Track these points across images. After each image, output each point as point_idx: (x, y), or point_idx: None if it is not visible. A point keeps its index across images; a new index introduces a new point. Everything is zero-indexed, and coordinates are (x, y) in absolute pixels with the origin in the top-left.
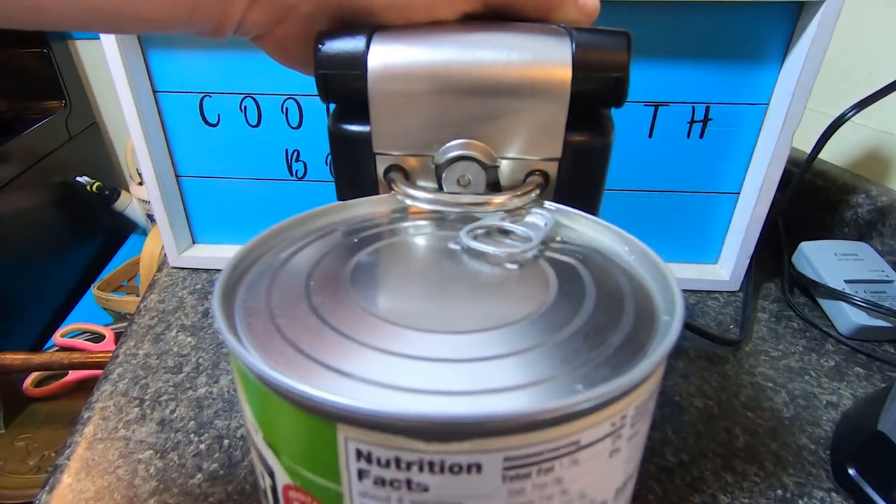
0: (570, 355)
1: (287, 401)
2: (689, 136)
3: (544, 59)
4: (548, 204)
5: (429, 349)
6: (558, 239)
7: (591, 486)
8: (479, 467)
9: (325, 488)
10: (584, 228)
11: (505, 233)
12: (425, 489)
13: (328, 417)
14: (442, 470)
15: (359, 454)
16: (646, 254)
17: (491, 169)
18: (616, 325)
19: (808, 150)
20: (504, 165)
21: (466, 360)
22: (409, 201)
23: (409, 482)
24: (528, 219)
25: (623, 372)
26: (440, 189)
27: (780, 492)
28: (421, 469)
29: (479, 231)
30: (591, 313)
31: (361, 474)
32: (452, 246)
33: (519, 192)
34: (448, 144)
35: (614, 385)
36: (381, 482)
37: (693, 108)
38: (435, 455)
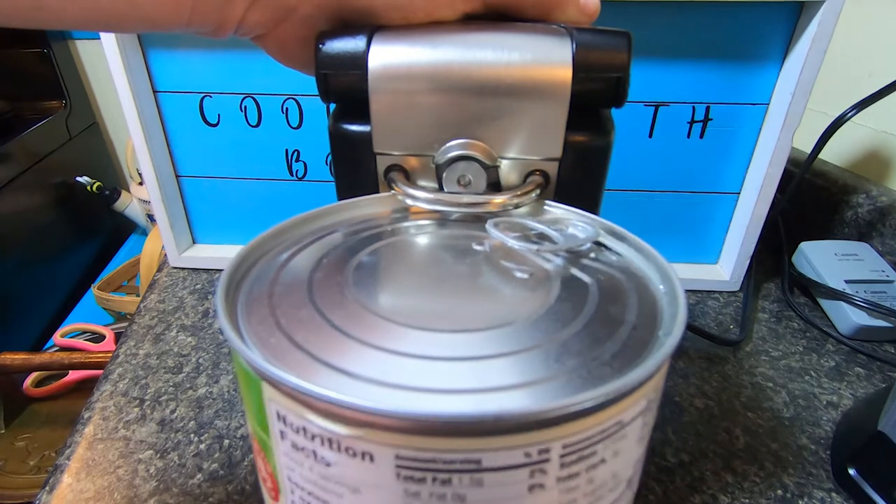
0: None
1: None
2: (689, 136)
3: (545, 59)
4: (593, 218)
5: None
6: (591, 256)
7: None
8: (371, 457)
9: (263, 440)
10: (626, 251)
11: (538, 236)
12: (327, 464)
13: (257, 376)
14: (339, 449)
15: (278, 415)
16: (654, 258)
17: (491, 169)
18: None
19: (809, 150)
20: (504, 165)
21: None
22: (409, 201)
23: (315, 453)
24: (570, 229)
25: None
26: (440, 189)
27: (780, 492)
28: (322, 444)
29: (507, 227)
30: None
31: (283, 435)
32: (462, 244)
33: (519, 192)
34: (448, 144)
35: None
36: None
37: (693, 108)
38: (332, 434)
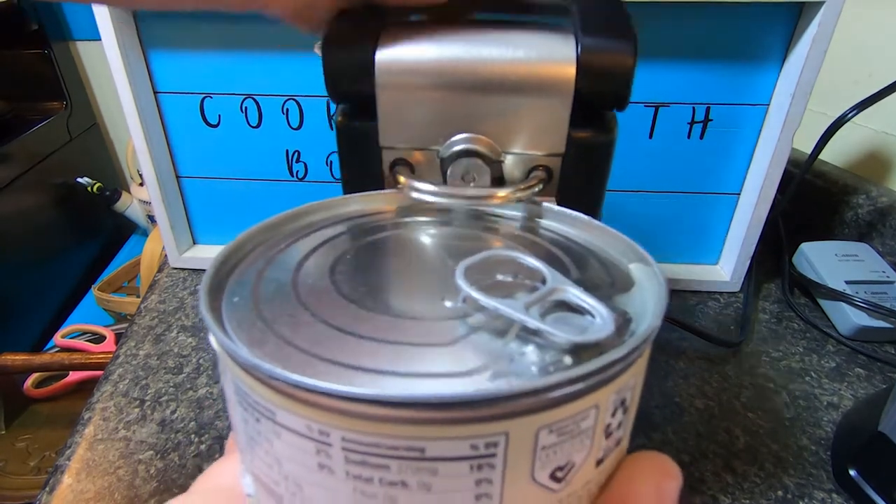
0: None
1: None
2: (689, 136)
3: (548, 57)
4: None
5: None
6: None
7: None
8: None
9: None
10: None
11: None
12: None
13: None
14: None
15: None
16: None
17: (495, 164)
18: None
19: (809, 150)
20: (508, 161)
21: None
22: (413, 194)
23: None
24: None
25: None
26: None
27: (780, 493)
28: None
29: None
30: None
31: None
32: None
33: (522, 187)
34: (453, 139)
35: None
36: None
37: (693, 108)
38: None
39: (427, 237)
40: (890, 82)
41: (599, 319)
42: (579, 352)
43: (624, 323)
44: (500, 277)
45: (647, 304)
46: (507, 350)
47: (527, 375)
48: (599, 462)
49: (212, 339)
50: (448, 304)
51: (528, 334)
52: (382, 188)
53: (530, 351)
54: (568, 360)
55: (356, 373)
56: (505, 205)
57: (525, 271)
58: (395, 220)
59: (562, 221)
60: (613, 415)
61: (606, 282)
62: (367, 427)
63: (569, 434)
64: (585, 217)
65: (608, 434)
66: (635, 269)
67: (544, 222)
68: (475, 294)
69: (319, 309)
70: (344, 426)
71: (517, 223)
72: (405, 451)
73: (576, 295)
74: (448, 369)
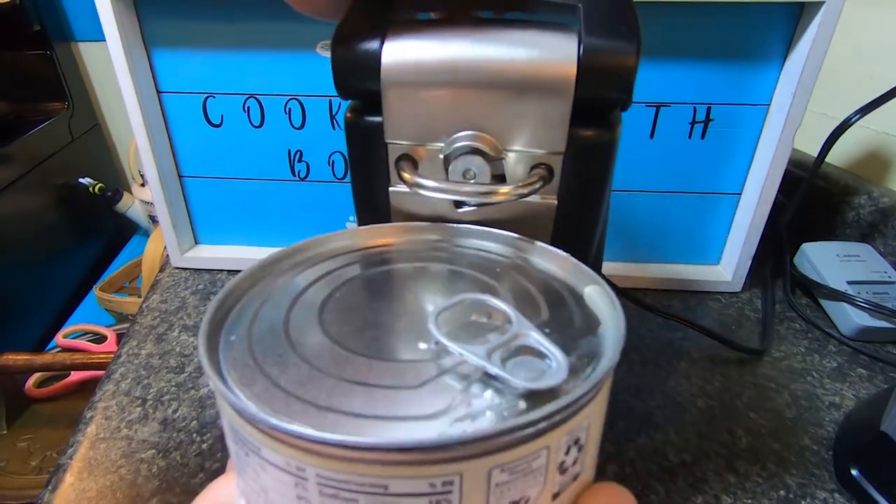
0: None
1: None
2: (690, 136)
3: (550, 56)
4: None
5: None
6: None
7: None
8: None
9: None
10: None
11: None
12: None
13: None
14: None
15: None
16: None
17: (497, 161)
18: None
19: (810, 151)
20: (510, 158)
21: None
22: (417, 189)
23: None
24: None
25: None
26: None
27: (782, 492)
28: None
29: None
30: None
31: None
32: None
33: (522, 184)
34: (456, 136)
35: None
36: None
37: (694, 108)
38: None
39: (412, 276)
40: (891, 83)
41: (555, 365)
42: (534, 396)
43: (584, 364)
44: (474, 318)
45: (609, 342)
46: (469, 394)
47: (482, 420)
48: (556, 496)
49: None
50: (422, 346)
51: (489, 378)
52: (388, 183)
53: (489, 395)
54: (522, 404)
55: (331, 415)
56: (488, 238)
57: (497, 313)
58: (384, 257)
59: (541, 256)
60: (567, 452)
61: (576, 319)
62: (338, 466)
63: (521, 472)
64: (563, 253)
65: (563, 470)
66: (590, 291)
67: (526, 257)
68: (444, 340)
69: (305, 349)
70: (318, 464)
71: (498, 257)
72: (371, 487)
73: (536, 340)
74: (413, 413)
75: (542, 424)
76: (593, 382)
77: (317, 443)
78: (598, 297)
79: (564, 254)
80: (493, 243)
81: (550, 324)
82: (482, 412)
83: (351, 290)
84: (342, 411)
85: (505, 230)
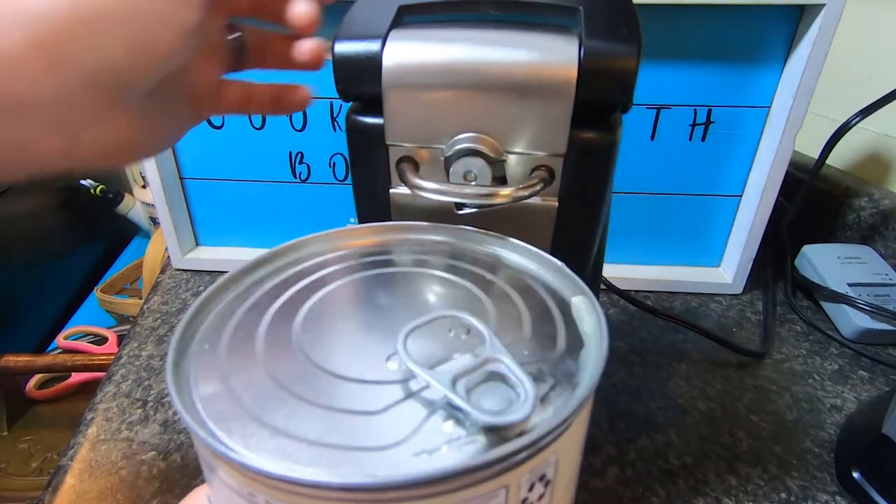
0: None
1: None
2: (690, 138)
3: (551, 59)
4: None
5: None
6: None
7: None
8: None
9: None
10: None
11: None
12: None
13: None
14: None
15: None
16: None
17: (497, 163)
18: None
19: (811, 153)
20: (511, 160)
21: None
22: (418, 191)
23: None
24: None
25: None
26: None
27: (784, 495)
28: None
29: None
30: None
31: None
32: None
33: (523, 186)
34: (456, 137)
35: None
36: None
37: (695, 110)
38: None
39: (395, 283)
40: (892, 85)
41: (523, 396)
42: (497, 430)
43: (559, 393)
44: (452, 333)
45: (589, 368)
46: (430, 423)
47: (438, 455)
48: None
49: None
50: (392, 366)
51: (454, 407)
52: (389, 184)
53: (450, 427)
54: (483, 439)
55: (286, 441)
56: (472, 241)
57: (473, 331)
58: (368, 261)
59: (533, 262)
60: (531, 489)
61: (559, 339)
62: (285, 497)
63: None
64: (547, 256)
65: None
66: (578, 302)
67: (517, 261)
68: (410, 363)
69: (273, 363)
70: (266, 493)
71: (487, 260)
72: None
73: (508, 367)
74: (369, 443)
75: (499, 466)
76: (560, 418)
77: (262, 475)
78: (585, 313)
79: (558, 262)
80: (480, 246)
81: (531, 343)
82: (439, 447)
83: (330, 298)
84: (297, 437)
85: (501, 231)
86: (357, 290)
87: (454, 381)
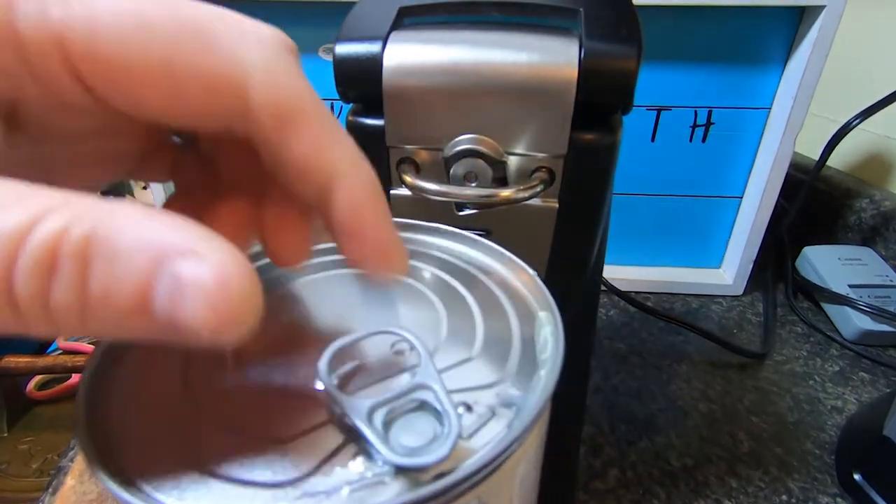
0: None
1: None
2: (691, 140)
3: (551, 61)
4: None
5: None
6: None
7: None
8: None
9: None
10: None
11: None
12: None
13: None
14: None
15: None
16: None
17: (498, 164)
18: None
19: (811, 154)
20: (511, 162)
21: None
22: (418, 193)
23: None
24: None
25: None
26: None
27: (785, 497)
28: None
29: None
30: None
31: None
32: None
33: (523, 187)
34: (457, 139)
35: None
36: None
37: (695, 112)
38: None
39: (350, 285)
40: (891, 86)
41: (446, 431)
42: (410, 472)
43: (490, 428)
44: (396, 348)
45: (532, 400)
46: (338, 457)
47: (334, 498)
48: None
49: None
50: (319, 386)
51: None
52: (390, 186)
53: (360, 463)
54: (392, 483)
55: (179, 473)
56: (442, 239)
57: (411, 351)
58: (327, 261)
59: (505, 268)
60: None
61: (511, 361)
62: None
63: None
64: (520, 263)
65: None
66: (544, 317)
67: (488, 266)
68: (328, 387)
69: (193, 373)
70: None
71: (455, 263)
72: None
73: (436, 397)
74: (267, 477)
75: None
76: (482, 462)
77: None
78: (548, 333)
79: (530, 270)
80: (453, 243)
81: (478, 364)
82: (339, 488)
83: (279, 298)
84: (198, 470)
85: (502, 232)
86: (309, 292)
87: (372, 410)
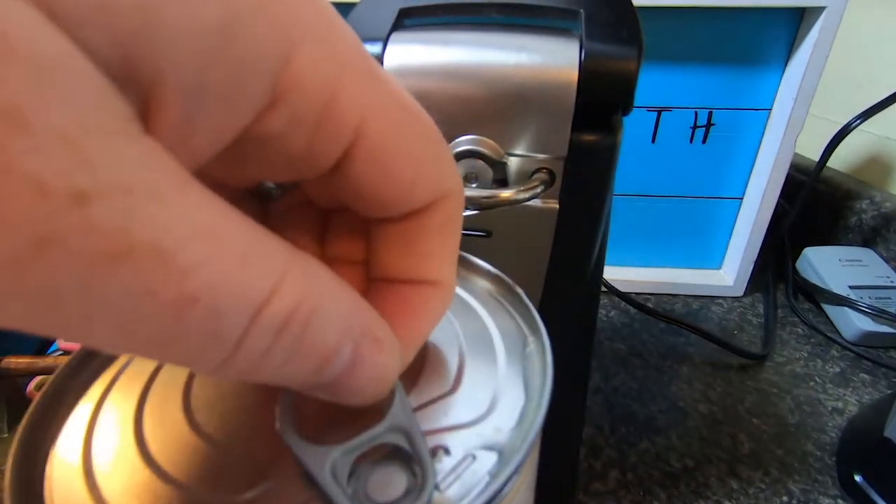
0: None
1: None
2: (691, 141)
3: (552, 62)
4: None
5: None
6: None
7: None
8: None
9: None
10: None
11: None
12: None
13: None
14: None
15: None
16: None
17: (498, 165)
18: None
19: (811, 155)
20: (511, 162)
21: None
22: None
23: None
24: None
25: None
26: None
27: (785, 498)
28: None
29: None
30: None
31: None
32: None
33: (524, 188)
34: (457, 140)
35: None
36: None
37: (696, 113)
38: None
39: None
40: (892, 87)
41: (419, 484)
42: None
43: (470, 474)
44: None
45: (517, 443)
46: None
47: None
48: None
49: None
50: (278, 430)
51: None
52: None
53: None
54: None
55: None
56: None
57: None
58: None
59: (480, 276)
60: None
61: (494, 395)
62: None
63: None
64: (509, 282)
65: None
66: (532, 343)
67: (478, 286)
68: (283, 432)
69: (147, 424)
70: None
71: None
72: None
73: (409, 442)
74: None
75: None
76: None
77: None
78: (536, 361)
79: (518, 289)
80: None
81: (458, 398)
82: None
83: None
84: None
85: (503, 233)
86: None
87: (335, 461)
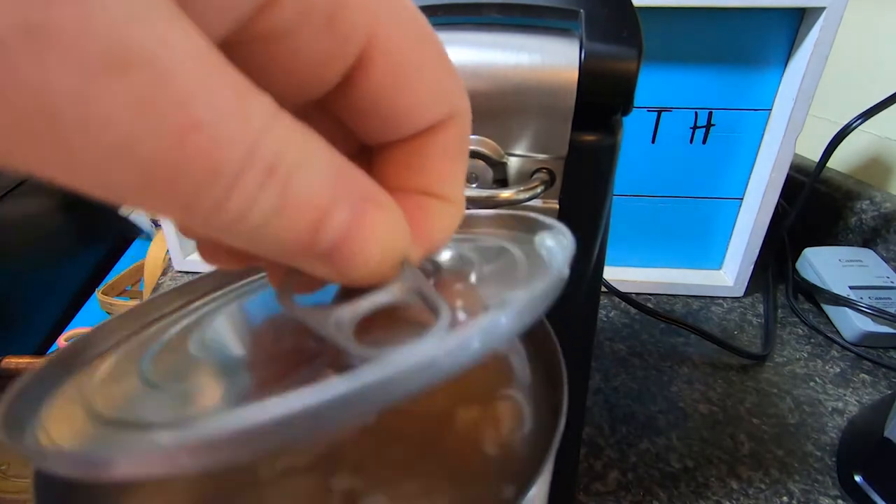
0: None
1: None
2: (691, 141)
3: (552, 62)
4: None
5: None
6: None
7: None
8: None
9: None
10: None
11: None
12: None
13: None
14: None
15: None
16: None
17: (498, 165)
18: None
19: (812, 155)
20: (511, 162)
21: None
22: None
23: None
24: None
25: None
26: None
27: (785, 499)
28: None
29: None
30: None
31: None
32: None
33: (524, 188)
34: None
35: None
36: None
37: (696, 113)
38: None
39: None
40: (892, 87)
41: (440, 324)
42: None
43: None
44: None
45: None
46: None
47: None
48: None
49: None
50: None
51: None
52: None
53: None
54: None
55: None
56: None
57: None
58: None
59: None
60: None
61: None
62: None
63: None
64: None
65: None
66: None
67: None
68: (283, 301)
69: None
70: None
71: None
72: None
73: (422, 300)
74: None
75: None
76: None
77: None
78: (553, 245)
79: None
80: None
81: (480, 285)
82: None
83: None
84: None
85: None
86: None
87: (338, 316)
